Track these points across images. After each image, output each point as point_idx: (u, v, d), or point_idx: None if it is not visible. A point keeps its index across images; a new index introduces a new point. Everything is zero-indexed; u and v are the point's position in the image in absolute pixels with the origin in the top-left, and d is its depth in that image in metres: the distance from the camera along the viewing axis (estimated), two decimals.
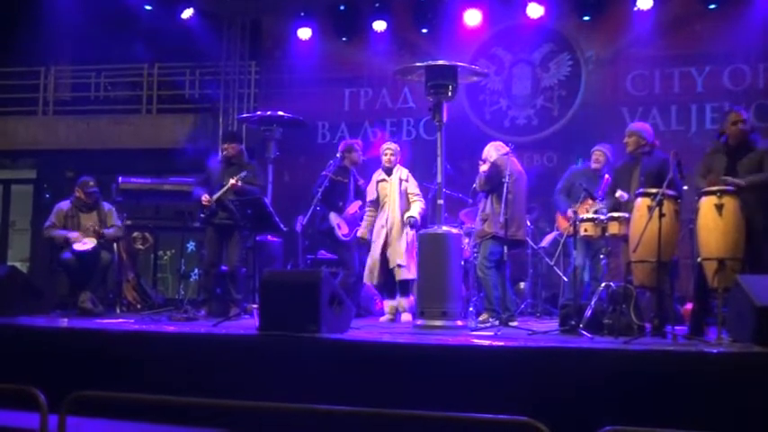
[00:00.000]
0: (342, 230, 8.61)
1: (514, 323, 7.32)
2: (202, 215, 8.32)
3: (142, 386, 5.08)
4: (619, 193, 6.81)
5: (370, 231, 8.19)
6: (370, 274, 8.05)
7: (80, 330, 6.56)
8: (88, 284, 8.24)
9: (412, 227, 7.95)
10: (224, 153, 8.46)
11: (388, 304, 8.10)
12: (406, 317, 7.89)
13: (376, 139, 10.02)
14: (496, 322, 7.26)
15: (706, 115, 9.88)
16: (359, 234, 8.28)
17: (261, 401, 4.64)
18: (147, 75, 13.30)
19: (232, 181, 7.95)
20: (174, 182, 9.92)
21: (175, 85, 13.28)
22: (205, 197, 8.14)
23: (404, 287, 7.99)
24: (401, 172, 8.13)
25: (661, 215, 5.98)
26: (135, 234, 9.90)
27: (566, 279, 8.32)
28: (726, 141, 6.35)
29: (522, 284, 9.26)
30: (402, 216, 8.01)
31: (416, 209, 8.01)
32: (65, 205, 8.61)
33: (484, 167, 7.73)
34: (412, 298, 7.94)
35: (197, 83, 13.17)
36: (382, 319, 8.07)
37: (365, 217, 8.32)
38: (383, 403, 4.36)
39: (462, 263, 7.61)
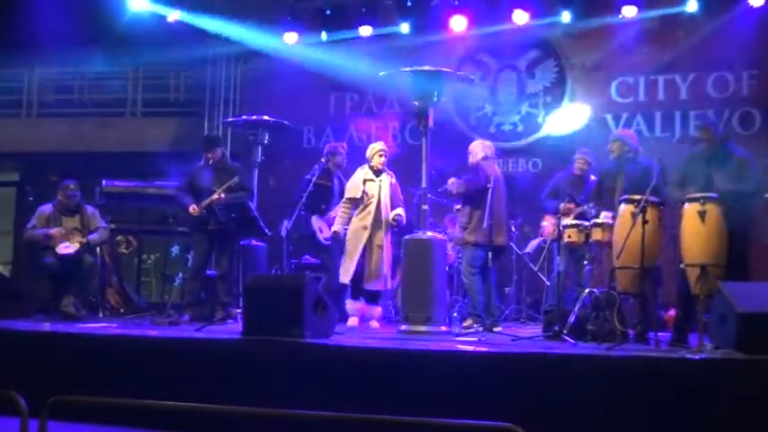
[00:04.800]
0: (324, 234, 8.59)
1: (498, 329, 7.35)
2: (190, 222, 8.26)
3: (124, 391, 5.05)
4: (603, 215, 6.83)
5: (345, 228, 7.94)
6: (346, 273, 7.78)
7: (62, 334, 6.53)
8: (71, 288, 8.18)
9: (397, 225, 7.84)
10: (209, 160, 8.34)
11: (355, 306, 7.82)
12: (374, 324, 7.70)
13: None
14: (481, 328, 7.27)
15: (690, 122, 9.91)
16: (334, 229, 7.97)
17: (244, 406, 4.62)
18: (131, 78, 13.23)
19: (215, 197, 7.90)
20: (158, 185, 9.86)
21: (160, 88, 13.23)
22: (193, 207, 8.06)
23: (374, 296, 7.85)
24: (390, 175, 7.99)
25: (644, 222, 6.02)
26: (119, 238, 9.84)
27: (549, 284, 8.34)
28: (701, 151, 6.41)
29: (506, 290, 9.28)
30: (387, 219, 7.82)
31: (401, 210, 7.91)
32: (47, 208, 8.56)
33: (471, 164, 7.71)
34: (380, 308, 7.88)
35: (182, 86, 13.12)
36: (350, 322, 7.71)
37: (340, 213, 8.02)
38: (367, 409, 4.35)
39: (447, 268, 7.63)
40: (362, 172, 7.94)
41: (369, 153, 7.97)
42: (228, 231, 8.08)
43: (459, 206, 7.93)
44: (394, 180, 7.97)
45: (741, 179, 6.21)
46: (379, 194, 7.85)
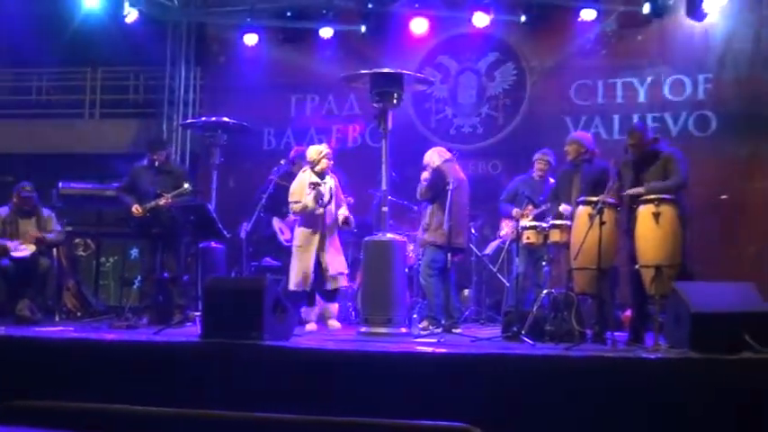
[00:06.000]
0: (284, 235, 8.55)
1: (458, 330, 7.37)
2: (131, 223, 8.16)
3: (81, 395, 4.96)
4: (562, 207, 6.90)
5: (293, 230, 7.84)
6: (304, 281, 7.56)
7: (17, 338, 6.40)
8: (26, 291, 8.06)
9: (348, 225, 7.75)
10: (154, 162, 8.20)
11: (312, 311, 7.68)
12: (334, 323, 7.65)
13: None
14: (438, 329, 7.29)
15: (648, 125, 10.03)
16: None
17: (202, 409, 4.58)
18: (90, 79, 13.09)
19: (161, 201, 7.83)
20: (116, 187, 9.75)
21: (119, 89, 13.10)
22: (136, 207, 7.97)
23: (333, 294, 7.77)
24: (333, 177, 7.83)
25: (601, 223, 6.09)
26: (76, 240, 9.72)
27: (509, 285, 8.39)
28: (631, 156, 6.52)
29: (466, 291, 9.31)
30: (336, 220, 7.71)
31: (346, 210, 7.79)
32: (3, 211, 8.44)
33: (426, 174, 7.76)
34: (337, 305, 7.85)
35: (141, 88, 13.00)
36: (308, 327, 7.56)
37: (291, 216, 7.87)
38: (326, 411, 4.32)
39: (407, 270, 7.64)
40: (306, 175, 7.73)
41: (314, 156, 7.72)
42: (173, 233, 8.02)
43: (416, 207, 7.95)
44: (336, 182, 7.85)
45: (666, 175, 6.30)
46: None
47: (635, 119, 10.08)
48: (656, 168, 6.36)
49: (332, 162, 7.80)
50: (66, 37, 11.52)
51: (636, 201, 6.26)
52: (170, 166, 8.36)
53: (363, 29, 10.78)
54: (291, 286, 7.62)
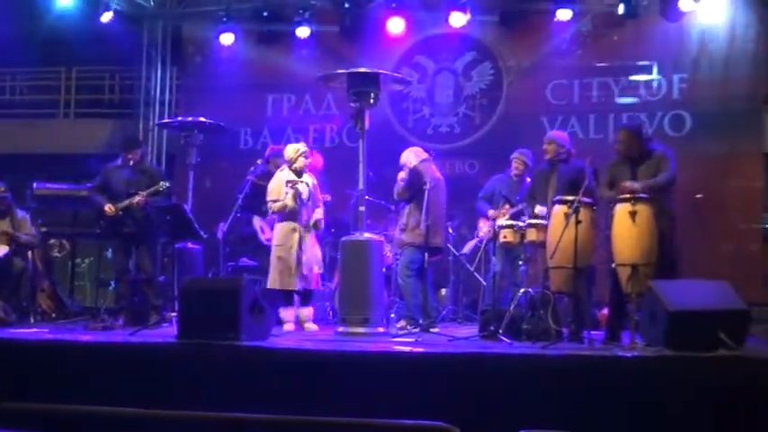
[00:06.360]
0: (265, 234, 8.51)
1: (435, 329, 7.38)
2: (102, 223, 8.10)
3: (56, 397, 4.95)
4: (538, 209, 6.92)
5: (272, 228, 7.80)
6: (288, 279, 7.48)
7: None
8: (0, 293, 8.00)
9: (316, 228, 7.69)
10: (129, 161, 8.12)
11: (288, 312, 7.60)
12: (310, 326, 7.58)
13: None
14: (415, 329, 7.29)
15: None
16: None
17: (179, 410, 4.56)
18: (64, 79, 12.98)
19: (135, 199, 7.78)
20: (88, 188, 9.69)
21: (94, 89, 13.00)
22: (108, 207, 7.89)
23: (308, 296, 7.73)
24: (311, 176, 7.79)
25: (577, 222, 6.12)
26: (52, 241, 9.64)
27: (486, 284, 8.40)
28: (622, 156, 6.55)
29: (443, 291, 9.32)
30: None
31: (320, 212, 7.76)
32: None
33: (403, 174, 7.76)
34: (312, 308, 7.79)
35: (117, 88, 12.90)
36: (286, 327, 7.48)
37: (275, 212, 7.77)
38: (304, 411, 4.32)
39: (384, 269, 7.64)
40: (284, 174, 7.69)
41: (291, 154, 7.68)
42: (146, 233, 7.97)
43: (393, 207, 7.95)
44: (315, 181, 7.82)
45: (658, 174, 6.35)
46: (305, 197, 7.59)
47: (611, 119, 10.15)
48: (649, 167, 6.39)
49: (309, 160, 7.76)
50: (40, 36, 11.43)
51: (613, 200, 6.30)
52: (145, 166, 8.31)
53: (341, 29, 10.76)
54: (271, 285, 7.57)
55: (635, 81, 10.18)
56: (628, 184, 6.26)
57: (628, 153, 6.52)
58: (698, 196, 9.29)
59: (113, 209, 7.87)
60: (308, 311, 7.69)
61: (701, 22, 9.90)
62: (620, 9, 9.89)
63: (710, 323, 5.35)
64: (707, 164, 9.53)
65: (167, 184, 7.94)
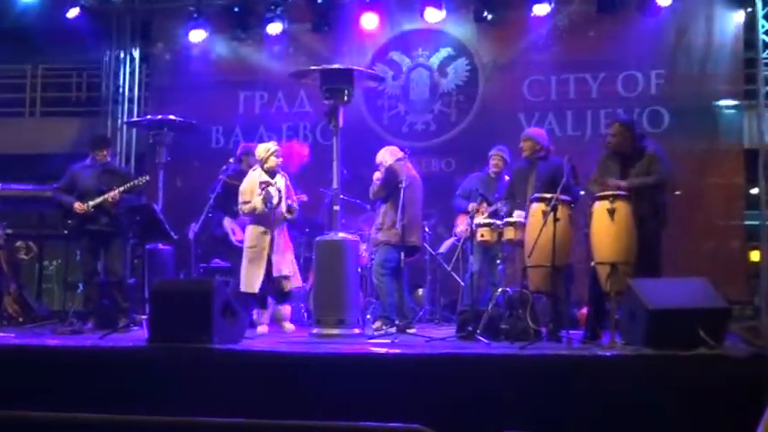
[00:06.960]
0: (236, 236, 8.38)
1: (412, 330, 7.31)
2: (70, 222, 7.93)
3: (24, 403, 4.78)
4: (516, 214, 6.83)
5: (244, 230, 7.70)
6: (256, 282, 7.37)
7: None
8: None
9: (290, 214, 7.52)
10: (98, 160, 8.02)
11: (263, 314, 7.51)
12: (287, 326, 7.50)
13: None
14: (392, 329, 7.21)
15: (600, 121, 10.04)
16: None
17: (150, 416, 4.43)
18: (30, 76, 12.78)
19: (110, 194, 7.66)
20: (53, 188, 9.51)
21: (61, 87, 12.79)
22: (78, 204, 7.75)
23: (285, 296, 7.62)
24: (284, 176, 7.66)
25: (555, 220, 6.04)
26: (18, 243, 9.44)
27: (464, 284, 8.33)
28: (612, 150, 6.47)
29: (420, 291, 9.24)
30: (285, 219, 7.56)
31: (293, 213, 7.63)
32: None
33: (378, 174, 7.68)
34: (289, 307, 7.71)
35: (84, 85, 12.72)
36: (260, 330, 7.39)
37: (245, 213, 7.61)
38: (278, 414, 4.22)
39: (359, 270, 7.55)
40: (256, 174, 7.56)
41: (262, 154, 7.55)
42: (115, 233, 7.85)
43: (369, 206, 7.85)
44: (288, 181, 7.69)
45: (650, 173, 6.30)
46: (277, 197, 7.43)
47: (588, 115, 10.12)
48: (641, 165, 6.33)
49: (281, 159, 7.65)
50: (4, 32, 11.23)
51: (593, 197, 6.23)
52: (113, 166, 8.23)
53: (314, 25, 10.66)
54: (243, 288, 7.47)
55: (612, 77, 10.13)
56: (613, 182, 6.19)
57: (620, 148, 6.45)
58: (676, 193, 9.25)
59: (84, 207, 7.71)
60: (285, 310, 7.60)
61: (677, 17, 9.88)
62: (598, 5, 9.85)
63: (690, 321, 5.30)
64: (686, 160, 9.47)
65: (147, 178, 7.80)
